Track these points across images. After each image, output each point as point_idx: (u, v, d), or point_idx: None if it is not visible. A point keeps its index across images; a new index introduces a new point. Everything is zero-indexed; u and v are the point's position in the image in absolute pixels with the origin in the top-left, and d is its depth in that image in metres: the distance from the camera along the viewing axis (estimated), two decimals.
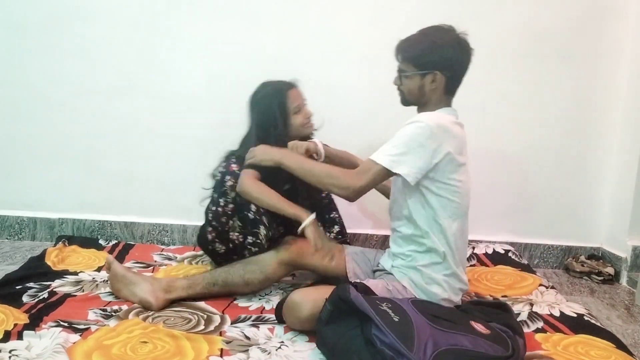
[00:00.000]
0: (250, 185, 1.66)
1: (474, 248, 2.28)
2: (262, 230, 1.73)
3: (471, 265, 2.16)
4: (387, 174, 1.48)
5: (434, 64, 1.53)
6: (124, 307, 1.64)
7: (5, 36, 2.27)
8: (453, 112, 1.59)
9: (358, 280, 1.57)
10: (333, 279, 1.64)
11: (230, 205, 1.77)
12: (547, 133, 2.31)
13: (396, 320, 1.26)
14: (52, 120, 2.32)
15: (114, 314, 1.59)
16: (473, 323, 1.37)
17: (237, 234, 1.79)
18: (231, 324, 1.57)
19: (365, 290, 1.47)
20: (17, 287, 1.73)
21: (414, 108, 1.64)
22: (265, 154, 1.64)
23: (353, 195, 1.50)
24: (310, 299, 1.46)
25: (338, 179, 1.51)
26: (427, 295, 1.55)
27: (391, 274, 1.62)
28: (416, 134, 1.46)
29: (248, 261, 1.74)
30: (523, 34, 2.24)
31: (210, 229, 1.84)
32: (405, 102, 1.64)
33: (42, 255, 2.05)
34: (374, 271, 1.74)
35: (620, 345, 1.51)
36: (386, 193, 1.82)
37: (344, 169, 1.59)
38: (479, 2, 2.23)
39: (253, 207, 1.72)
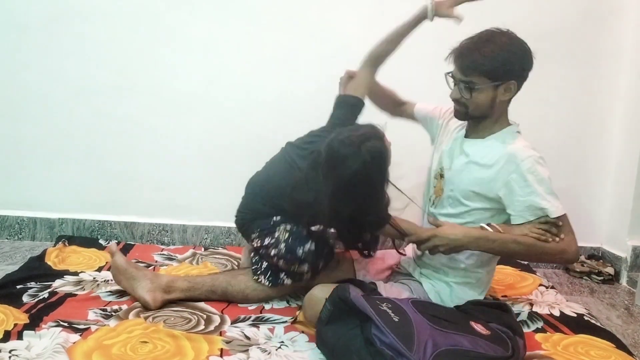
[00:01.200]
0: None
1: None
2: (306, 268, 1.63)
3: None
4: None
5: (511, 74, 1.44)
6: (124, 307, 1.63)
7: (5, 36, 2.27)
8: (518, 128, 1.56)
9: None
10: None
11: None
12: (547, 133, 2.31)
13: (396, 320, 1.26)
14: (52, 120, 2.32)
15: (114, 314, 1.59)
16: (473, 323, 1.37)
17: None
18: (231, 323, 1.57)
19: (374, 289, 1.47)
20: (17, 287, 1.73)
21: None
22: (452, 240, 1.40)
23: (577, 259, 1.49)
24: None
25: (560, 254, 1.44)
26: None
27: (418, 281, 1.61)
28: (545, 170, 1.46)
29: (251, 277, 1.70)
30: (523, 34, 2.22)
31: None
32: (466, 116, 1.51)
33: (42, 255, 2.04)
34: (393, 272, 1.73)
35: (620, 345, 1.51)
36: (380, 100, 1.82)
37: (541, 240, 1.42)
38: (479, 2, 2.22)
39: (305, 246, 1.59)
